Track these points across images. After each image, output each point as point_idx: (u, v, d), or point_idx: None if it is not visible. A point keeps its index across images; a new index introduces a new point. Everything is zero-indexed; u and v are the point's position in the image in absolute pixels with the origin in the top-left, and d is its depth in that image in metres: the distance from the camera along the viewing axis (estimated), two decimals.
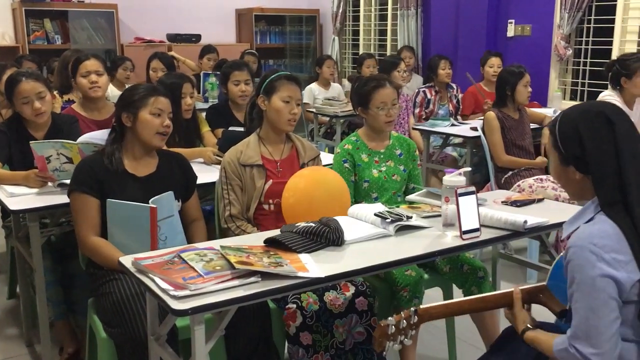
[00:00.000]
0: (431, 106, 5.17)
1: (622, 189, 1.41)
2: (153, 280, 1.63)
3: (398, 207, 2.40)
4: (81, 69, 3.17)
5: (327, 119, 5.54)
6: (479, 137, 3.92)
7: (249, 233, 2.36)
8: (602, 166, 1.44)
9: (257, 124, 2.59)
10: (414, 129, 4.80)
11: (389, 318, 1.58)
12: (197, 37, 7.44)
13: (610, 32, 4.96)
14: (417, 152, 2.89)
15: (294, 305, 2.18)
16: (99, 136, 2.63)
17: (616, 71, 3.72)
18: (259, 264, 1.66)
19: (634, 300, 1.39)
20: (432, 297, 2.69)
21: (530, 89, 3.81)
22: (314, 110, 5.60)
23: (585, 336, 1.38)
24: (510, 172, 3.76)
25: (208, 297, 1.54)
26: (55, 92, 3.78)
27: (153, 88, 2.37)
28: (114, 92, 4.94)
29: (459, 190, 1.97)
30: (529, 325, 1.60)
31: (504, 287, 2.93)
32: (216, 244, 1.89)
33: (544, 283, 1.71)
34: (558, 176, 1.56)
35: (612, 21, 4.92)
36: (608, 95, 3.74)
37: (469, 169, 2.24)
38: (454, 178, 2.03)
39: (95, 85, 3.18)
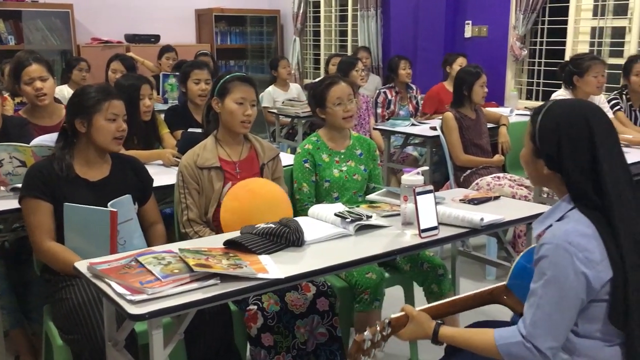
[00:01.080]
0: (392, 106, 5.22)
1: (598, 191, 1.42)
2: (109, 285, 1.60)
3: (358, 206, 2.41)
4: (24, 75, 3.00)
5: (289, 119, 5.53)
6: (438, 136, 3.98)
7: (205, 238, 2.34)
8: (576, 171, 1.44)
9: (213, 125, 2.57)
10: (374, 129, 4.83)
11: (365, 333, 1.57)
12: (156, 38, 7.33)
13: (563, 32, 5.09)
14: (377, 152, 2.92)
15: (255, 307, 2.18)
16: (52, 139, 2.56)
17: (569, 71, 3.82)
18: (218, 266, 1.65)
19: (604, 299, 1.41)
20: (394, 296, 2.73)
21: (486, 89, 3.88)
22: (275, 111, 5.59)
23: (544, 331, 1.40)
24: (469, 171, 3.82)
25: (166, 301, 1.52)
26: (6, 95, 3.67)
27: (105, 91, 2.30)
28: (70, 94, 4.84)
29: (417, 189, 1.99)
30: (438, 322, 1.60)
31: (464, 284, 3.00)
32: (174, 247, 1.87)
33: (504, 283, 1.73)
34: (526, 164, 1.57)
35: (565, 22, 5.06)
36: (561, 95, 3.84)
37: (427, 168, 2.27)
38: (412, 177, 2.06)
39: (41, 93, 3.01)
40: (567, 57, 4.64)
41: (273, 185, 2.45)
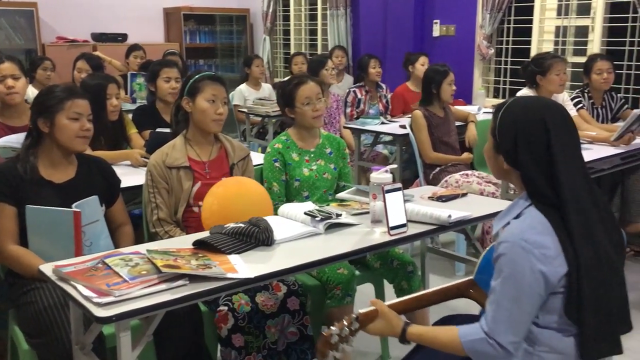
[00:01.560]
0: (362, 105, 5.24)
1: (553, 188, 1.45)
2: (75, 288, 1.57)
3: (328, 205, 2.42)
4: None
5: (259, 119, 5.52)
6: (407, 135, 4.01)
7: (176, 238, 2.32)
8: (531, 167, 1.47)
9: (183, 125, 2.55)
10: (344, 127, 4.85)
11: (332, 327, 1.58)
12: (123, 37, 7.24)
13: (528, 32, 5.18)
14: (347, 151, 2.93)
15: (226, 308, 2.17)
16: (18, 139, 2.51)
17: (531, 70, 3.88)
18: (186, 266, 1.63)
19: (561, 291, 1.44)
20: (364, 293, 2.74)
21: (454, 87, 3.93)
22: (245, 110, 5.57)
23: (505, 327, 1.43)
24: (438, 169, 3.86)
25: (134, 303, 1.50)
26: None
27: (69, 90, 2.27)
28: (35, 94, 4.74)
29: (386, 187, 2.01)
30: (407, 321, 1.61)
31: (434, 280, 3.03)
32: (142, 248, 1.85)
33: (472, 277, 1.76)
34: (488, 158, 1.60)
35: (530, 21, 5.14)
36: (524, 94, 3.89)
37: (396, 166, 2.29)
38: (381, 175, 2.07)
39: (13, 91, 2.98)
40: (532, 56, 4.71)
41: (257, 185, 2.44)
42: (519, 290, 1.41)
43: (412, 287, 2.56)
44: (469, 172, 3.83)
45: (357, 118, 5.05)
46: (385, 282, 2.69)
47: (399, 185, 2.05)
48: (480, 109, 5.00)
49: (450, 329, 1.54)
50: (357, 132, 4.64)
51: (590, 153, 3.44)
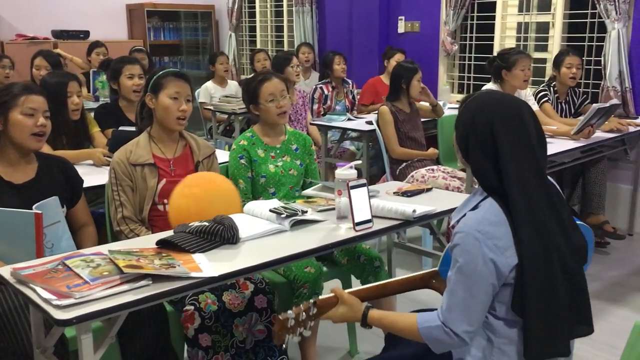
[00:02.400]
0: (328, 102, 5.25)
1: (502, 182, 1.48)
2: (34, 291, 1.54)
3: (294, 202, 2.41)
4: None
5: (226, 116, 5.47)
6: (374, 131, 4.02)
7: (141, 237, 2.29)
8: (479, 162, 1.51)
9: (147, 122, 2.51)
10: (311, 124, 4.85)
11: (289, 311, 1.59)
12: (85, 34, 7.09)
13: (491, 28, 5.25)
14: (314, 147, 2.93)
15: (192, 307, 2.14)
16: None
17: (497, 65, 3.94)
18: (149, 266, 1.61)
19: (511, 283, 1.47)
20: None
21: (422, 85, 3.96)
22: (211, 108, 5.52)
23: (459, 316, 1.46)
24: (404, 164, 3.89)
25: (95, 305, 1.47)
26: None
27: (25, 87, 2.22)
28: None
29: (351, 183, 2.01)
30: (368, 305, 1.65)
31: (400, 275, 3.05)
32: (104, 248, 1.82)
33: (436, 269, 1.78)
34: (456, 150, 1.64)
35: (493, 18, 5.21)
36: (489, 89, 3.95)
37: (360, 162, 2.29)
38: (346, 171, 2.08)
39: None
40: (495, 52, 4.78)
41: (227, 182, 2.42)
42: (472, 280, 1.44)
43: (379, 282, 2.57)
44: (435, 167, 3.87)
45: (324, 114, 5.06)
46: (353, 277, 2.70)
47: (364, 181, 2.06)
48: (445, 105, 5.04)
49: (409, 315, 1.57)
50: (323, 129, 4.63)
51: (551, 147, 3.46)
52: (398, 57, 5.17)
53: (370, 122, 4.24)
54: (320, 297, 1.67)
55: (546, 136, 3.80)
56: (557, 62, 4.13)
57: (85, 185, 2.58)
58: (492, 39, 5.25)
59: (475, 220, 1.47)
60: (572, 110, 4.26)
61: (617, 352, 2.59)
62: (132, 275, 1.57)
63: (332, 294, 1.67)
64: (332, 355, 2.81)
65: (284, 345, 1.64)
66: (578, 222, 1.79)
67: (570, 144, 3.60)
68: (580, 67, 4.10)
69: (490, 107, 1.53)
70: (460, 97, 5.52)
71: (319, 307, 1.63)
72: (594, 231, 3.96)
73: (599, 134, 3.82)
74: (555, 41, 4.80)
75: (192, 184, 2.23)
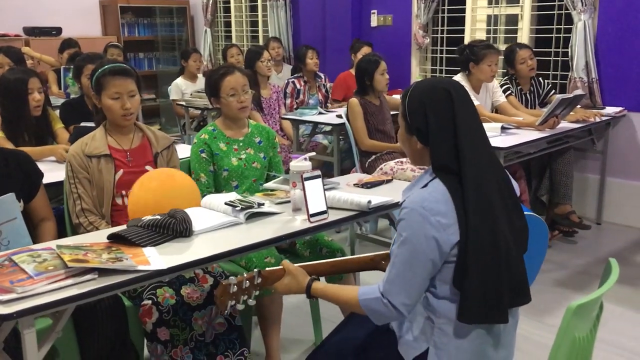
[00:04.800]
0: (301, 96, 5.25)
1: (457, 161, 1.51)
2: None
3: (253, 195, 2.42)
4: None
5: (199, 112, 5.46)
6: (344, 123, 4.03)
7: (101, 230, 2.28)
8: (439, 140, 1.53)
9: (103, 116, 2.50)
10: (282, 118, 4.85)
11: (231, 277, 1.62)
12: (58, 30, 7.02)
13: (462, 21, 5.28)
14: (277, 140, 2.92)
15: (149, 302, 2.14)
16: None
17: (466, 56, 3.96)
18: (95, 260, 1.61)
19: (452, 260, 1.50)
20: None
21: (387, 77, 3.96)
22: (183, 103, 5.50)
23: (398, 288, 1.49)
24: (374, 156, 3.90)
25: (37, 299, 1.46)
26: None
27: None
28: None
29: (305, 175, 2.02)
30: (312, 277, 1.68)
31: None
32: (54, 244, 1.81)
33: (387, 251, 1.80)
34: (403, 142, 1.65)
35: (463, 11, 5.24)
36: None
37: (314, 153, 2.30)
38: (300, 163, 2.08)
39: None
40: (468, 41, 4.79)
41: (186, 177, 2.41)
42: (412, 254, 1.47)
43: (341, 274, 2.59)
44: (404, 159, 3.88)
45: (297, 108, 5.06)
46: None
47: (318, 172, 2.07)
48: None
49: (351, 288, 1.61)
50: (295, 123, 4.64)
51: (517, 138, 3.55)
52: (365, 51, 5.17)
53: (340, 116, 4.25)
54: (268, 268, 1.70)
55: (511, 127, 3.86)
56: (510, 61, 4.15)
57: (47, 181, 2.56)
58: (462, 31, 5.28)
59: (422, 197, 1.50)
60: (537, 101, 4.29)
61: None
62: (77, 270, 1.56)
63: (280, 267, 1.71)
64: (297, 346, 2.82)
65: (226, 311, 1.65)
66: (528, 212, 1.83)
67: (536, 135, 3.64)
68: (533, 57, 4.12)
69: (442, 81, 1.58)
70: None
71: (263, 277, 1.67)
72: (561, 221, 4.06)
73: (565, 125, 3.86)
74: (524, 33, 4.84)
75: (151, 177, 2.24)
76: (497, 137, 3.50)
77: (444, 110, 1.52)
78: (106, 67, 2.42)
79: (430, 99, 1.54)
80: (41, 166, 2.61)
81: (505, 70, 4.46)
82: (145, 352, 2.24)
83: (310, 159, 4.86)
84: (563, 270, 3.64)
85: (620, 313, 3.08)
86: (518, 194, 1.81)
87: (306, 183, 2.01)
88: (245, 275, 1.64)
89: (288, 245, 2.71)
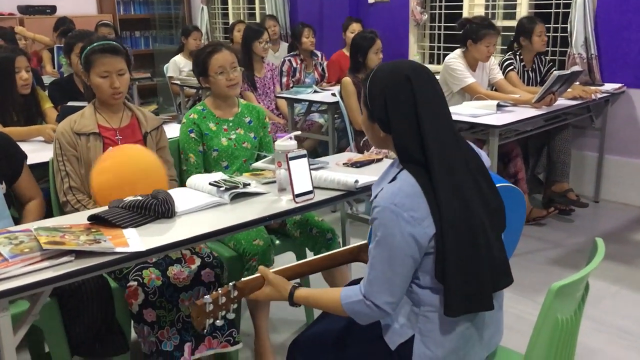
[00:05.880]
0: (298, 74, 5.18)
1: (423, 150, 1.45)
2: None
3: (241, 175, 2.38)
4: None
5: (194, 90, 5.40)
6: (338, 102, 3.98)
7: (89, 209, 2.25)
8: (402, 129, 1.47)
9: (92, 94, 2.46)
10: (277, 97, 4.79)
11: (205, 296, 1.58)
12: (52, 9, 6.94)
13: None
14: (268, 120, 2.88)
15: (135, 283, 2.12)
16: None
17: (466, 32, 3.88)
18: (72, 242, 1.58)
19: (431, 252, 1.46)
20: (288, 262, 2.73)
21: (381, 56, 3.90)
22: (178, 82, 5.44)
23: (379, 289, 1.44)
24: None
25: (12, 282, 1.44)
26: None
27: None
28: None
29: (290, 155, 1.98)
30: (294, 285, 1.63)
31: None
32: (33, 225, 1.78)
33: (365, 242, 1.76)
34: (366, 129, 1.60)
35: None
36: (453, 59, 3.91)
37: (299, 132, 2.25)
38: (285, 142, 2.05)
39: None
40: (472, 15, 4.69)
41: (146, 151, 2.37)
42: (390, 253, 1.43)
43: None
44: None
45: (293, 87, 5.00)
46: (308, 250, 2.68)
47: (304, 152, 2.03)
48: None
49: (334, 291, 1.56)
50: (290, 102, 4.58)
51: (512, 115, 3.49)
52: (354, 28, 5.07)
53: (334, 94, 4.19)
54: (244, 278, 1.65)
55: (508, 105, 3.78)
56: (528, 31, 4.03)
57: (34, 161, 2.54)
58: (461, 7, 5.18)
59: (391, 193, 1.44)
60: (539, 79, 4.22)
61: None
62: (54, 252, 1.54)
63: (258, 274, 1.66)
64: (288, 327, 2.81)
65: (204, 330, 1.62)
66: (504, 183, 1.78)
67: (532, 112, 3.58)
68: (546, 33, 4.07)
69: (403, 66, 1.51)
70: (431, 67, 5.46)
71: (240, 289, 1.61)
72: (558, 199, 4.02)
73: (562, 102, 3.80)
74: (523, 8, 4.75)
75: (103, 158, 2.22)
76: (493, 115, 3.45)
77: (404, 98, 1.45)
78: (95, 44, 2.37)
79: (390, 87, 1.47)
80: (28, 146, 2.59)
81: (506, 47, 4.38)
82: (133, 333, 2.24)
83: (306, 138, 4.85)
84: (558, 248, 3.61)
85: (616, 291, 3.06)
86: (489, 165, 1.77)
87: (291, 163, 1.98)
88: (220, 291, 1.59)
89: (278, 226, 2.69)
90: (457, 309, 1.45)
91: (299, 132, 2.17)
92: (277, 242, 2.62)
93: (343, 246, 2.71)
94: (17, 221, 2.26)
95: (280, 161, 2.04)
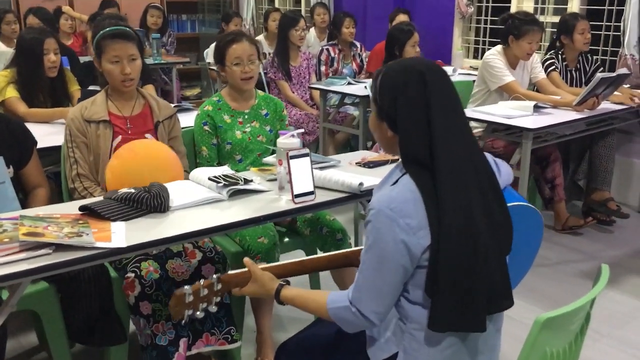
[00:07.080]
0: (335, 64, 5.08)
1: (430, 153, 1.35)
2: None
3: (247, 170, 2.32)
4: None
5: None
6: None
7: (95, 197, 2.24)
8: (410, 128, 1.38)
9: (105, 80, 2.44)
10: (310, 87, 4.70)
11: (185, 287, 1.53)
12: None
13: None
14: (285, 112, 2.80)
15: (133, 275, 2.10)
16: None
17: (508, 27, 3.69)
18: (52, 235, 1.55)
19: (425, 265, 1.36)
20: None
21: (418, 49, 3.75)
22: (215, 68, 5.41)
23: (367, 296, 1.37)
24: None
25: None
26: None
27: None
28: (3, 49, 4.66)
29: (291, 153, 1.90)
30: (281, 282, 1.57)
31: None
32: (21, 213, 1.77)
33: (362, 247, 1.67)
34: (373, 128, 1.51)
35: None
36: (492, 55, 3.72)
37: (302, 130, 2.16)
38: (287, 140, 1.97)
39: None
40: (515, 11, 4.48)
41: (160, 146, 2.33)
42: (381, 260, 1.34)
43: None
44: None
45: (329, 78, 4.90)
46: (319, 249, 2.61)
47: (306, 150, 1.94)
48: (456, 71, 4.83)
49: (321, 295, 1.49)
50: (323, 93, 4.49)
51: (549, 118, 3.30)
52: (400, 19, 4.92)
53: (367, 87, 4.08)
54: (230, 271, 1.59)
55: (547, 106, 3.59)
56: (568, 29, 3.81)
57: (54, 144, 2.56)
58: (509, 1, 4.95)
59: (389, 197, 1.35)
60: (584, 79, 3.98)
61: (605, 341, 2.44)
62: (32, 244, 1.51)
63: (245, 269, 1.60)
64: (296, 325, 2.74)
65: (182, 320, 1.58)
66: (520, 202, 1.66)
67: (572, 116, 3.37)
68: (590, 31, 3.82)
69: (418, 63, 1.41)
70: (474, 62, 5.27)
71: (224, 283, 1.56)
72: (597, 208, 3.79)
73: (607, 106, 3.57)
74: (575, 4, 4.48)
75: (126, 147, 2.18)
76: (528, 117, 3.26)
77: (416, 95, 1.35)
78: (106, 30, 2.35)
79: (402, 82, 1.37)
80: (50, 128, 2.59)
81: (549, 44, 4.15)
82: (131, 324, 2.22)
83: (338, 130, 4.74)
84: (592, 260, 3.40)
85: None
86: (510, 180, 1.64)
87: (292, 161, 1.90)
88: (202, 282, 1.54)
89: (288, 223, 2.62)
90: (442, 324, 1.35)
91: (301, 130, 2.08)
92: (287, 239, 2.56)
93: (355, 247, 2.63)
94: (24, 205, 2.27)
95: (281, 159, 1.96)
